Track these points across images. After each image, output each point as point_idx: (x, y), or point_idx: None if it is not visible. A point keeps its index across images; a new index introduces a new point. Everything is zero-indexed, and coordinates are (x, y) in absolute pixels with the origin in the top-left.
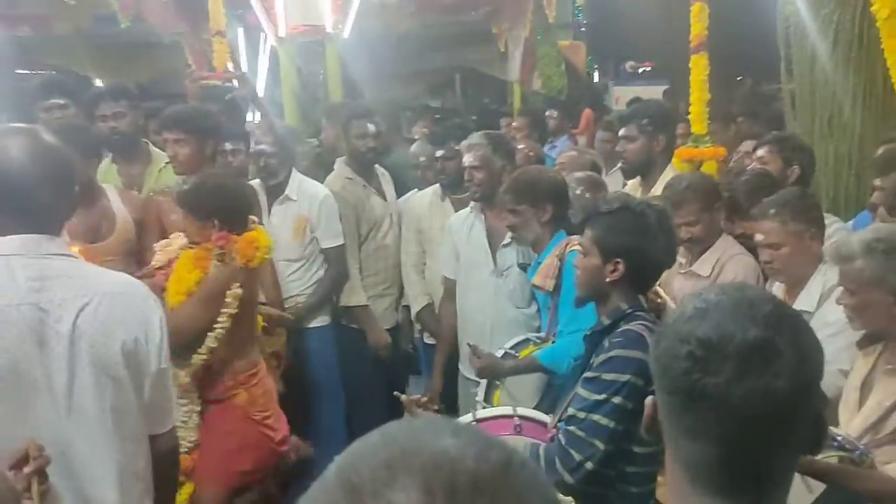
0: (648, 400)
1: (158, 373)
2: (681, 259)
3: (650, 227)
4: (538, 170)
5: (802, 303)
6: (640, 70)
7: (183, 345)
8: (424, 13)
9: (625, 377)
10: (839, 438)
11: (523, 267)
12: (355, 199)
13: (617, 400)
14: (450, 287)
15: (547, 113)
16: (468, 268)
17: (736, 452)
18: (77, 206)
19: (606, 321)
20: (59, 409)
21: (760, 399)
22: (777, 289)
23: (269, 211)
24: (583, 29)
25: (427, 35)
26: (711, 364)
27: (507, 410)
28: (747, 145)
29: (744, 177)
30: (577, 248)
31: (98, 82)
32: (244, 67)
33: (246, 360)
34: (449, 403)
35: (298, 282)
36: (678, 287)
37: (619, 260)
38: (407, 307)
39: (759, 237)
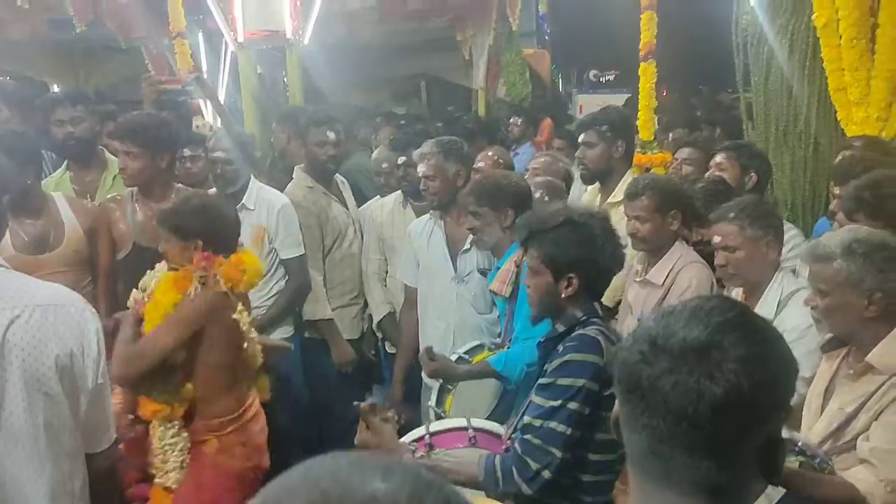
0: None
1: (96, 388)
2: (637, 266)
3: (596, 236)
4: (503, 174)
5: (761, 311)
6: (604, 79)
7: (145, 372)
8: (388, 20)
9: (580, 382)
10: (800, 444)
11: (483, 272)
12: (318, 208)
13: (573, 406)
14: (410, 294)
15: (511, 120)
16: (428, 274)
17: (663, 446)
18: (6, 216)
19: (561, 328)
20: None
21: (689, 398)
22: (735, 296)
23: None
24: (547, 37)
25: (391, 42)
26: (650, 357)
27: (462, 422)
28: (683, 153)
29: (700, 184)
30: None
31: (55, 87)
32: (205, 73)
33: (221, 405)
34: (412, 413)
35: (258, 293)
36: (633, 295)
37: (572, 275)
38: (371, 316)
39: (716, 239)
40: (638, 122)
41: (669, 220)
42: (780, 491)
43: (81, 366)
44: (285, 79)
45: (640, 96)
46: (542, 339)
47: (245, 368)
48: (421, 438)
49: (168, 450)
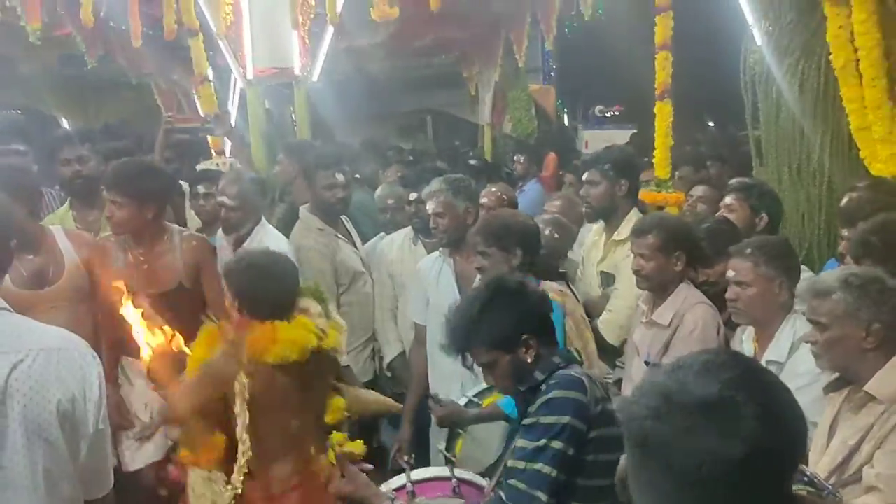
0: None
1: (96, 434)
2: (643, 306)
3: (515, 291)
4: (511, 213)
5: (772, 353)
6: (609, 114)
7: (180, 419)
8: (395, 57)
9: (564, 419)
10: (808, 474)
11: None
12: (330, 251)
13: (557, 444)
14: (420, 333)
15: (514, 158)
16: (438, 312)
17: None
18: (12, 256)
19: (541, 376)
20: None
21: (701, 457)
22: (747, 337)
23: None
24: (552, 73)
25: (398, 78)
26: (664, 414)
27: (445, 472)
28: (698, 190)
29: (705, 224)
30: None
31: (65, 122)
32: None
33: (274, 470)
34: (421, 453)
35: None
36: (639, 337)
37: (525, 337)
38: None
39: (730, 273)
40: (654, 161)
41: (673, 261)
42: None
43: (83, 411)
44: (293, 114)
45: (656, 135)
46: (521, 389)
47: (292, 436)
48: (402, 487)
49: (196, 498)
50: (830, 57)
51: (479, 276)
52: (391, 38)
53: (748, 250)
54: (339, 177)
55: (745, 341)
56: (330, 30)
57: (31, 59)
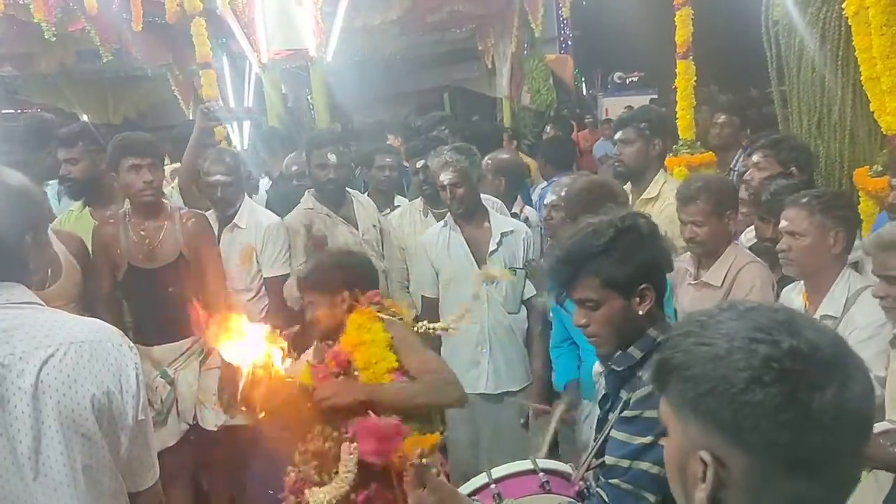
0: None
1: (137, 425)
2: (689, 268)
3: (647, 236)
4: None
5: (827, 308)
6: (629, 80)
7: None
8: (410, 34)
9: None
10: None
11: (514, 271)
12: (308, 229)
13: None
14: (430, 305)
15: (546, 129)
16: (452, 281)
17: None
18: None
19: (638, 354)
20: (25, 474)
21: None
22: (797, 293)
23: (220, 239)
24: (569, 42)
25: (414, 56)
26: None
27: (528, 465)
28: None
29: (771, 182)
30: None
31: (84, 117)
32: (230, 96)
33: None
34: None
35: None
36: (689, 299)
37: (645, 285)
38: None
39: (783, 223)
40: (678, 122)
41: (726, 221)
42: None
43: (120, 403)
44: (309, 97)
45: (678, 96)
46: (615, 367)
47: None
48: (485, 487)
49: None
50: (843, 5)
51: (495, 238)
52: (405, 14)
53: (804, 199)
54: (332, 157)
55: (794, 298)
56: (342, 6)
57: (48, 56)
